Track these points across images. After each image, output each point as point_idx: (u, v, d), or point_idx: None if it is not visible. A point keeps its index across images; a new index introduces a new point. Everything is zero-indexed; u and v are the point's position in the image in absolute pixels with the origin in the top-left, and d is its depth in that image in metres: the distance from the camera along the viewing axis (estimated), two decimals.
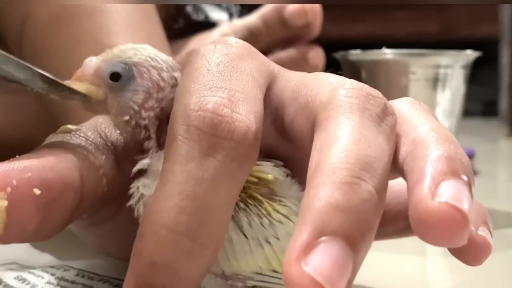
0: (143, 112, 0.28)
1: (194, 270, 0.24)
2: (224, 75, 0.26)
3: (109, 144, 0.29)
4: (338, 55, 0.59)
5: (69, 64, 0.47)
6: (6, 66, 0.26)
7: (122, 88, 0.28)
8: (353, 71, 0.57)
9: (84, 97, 0.28)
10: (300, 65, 0.65)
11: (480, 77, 1.17)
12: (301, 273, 0.20)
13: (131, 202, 0.27)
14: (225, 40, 0.28)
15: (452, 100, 0.57)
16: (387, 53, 0.58)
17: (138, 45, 0.29)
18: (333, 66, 0.56)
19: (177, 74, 0.29)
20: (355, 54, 0.58)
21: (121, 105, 0.28)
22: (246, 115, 0.25)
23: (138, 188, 0.27)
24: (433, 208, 0.22)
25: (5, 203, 0.24)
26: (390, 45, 0.59)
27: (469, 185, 0.23)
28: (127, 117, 0.28)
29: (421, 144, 0.25)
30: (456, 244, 0.22)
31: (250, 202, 0.26)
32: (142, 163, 0.28)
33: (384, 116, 0.25)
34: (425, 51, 0.57)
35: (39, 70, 0.27)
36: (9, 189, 0.24)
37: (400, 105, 0.27)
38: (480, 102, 1.31)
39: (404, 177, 0.25)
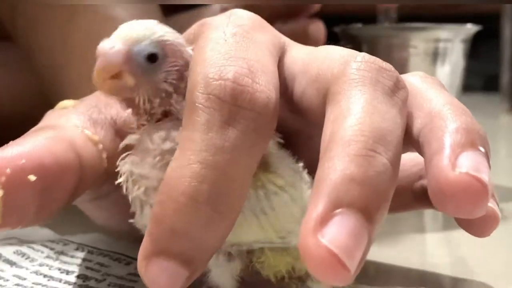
0: (175, 96, 0.27)
1: (212, 239, 0.24)
2: (241, 45, 0.26)
3: (109, 117, 0.29)
4: (338, 29, 0.59)
5: (66, 34, 0.47)
6: None
7: (157, 69, 0.27)
8: (353, 45, 0.57)
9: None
10: (300, 39, 0.65)
11: (482, 52, 1.17)
12: (318, 244, 0.21)
13: (120, 180, 0.27)
14: (236, 12, 0.28)
15: (451, 74, 0.57)
16: (387, 27, 0.58)
17: (147, 21, 0.27)
18: (333, 40, 0.56)
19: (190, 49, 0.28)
20: (355, 28, 0.58)
21: (154, 88, 0.27)
22: (266, 85, 0.25)
23: (127, 165, 0.27)
24: (454, 178, 0.23)
25: (0, 192, 0.24)
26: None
27: (487, 156, 0.24)
28: (157, 101, 0.27)
29: (438, 116, 0.25)
30: (475, 214, 0.23)
31: None
32: (131, 139, 0.27)
33: (397, 89, 0.25)
34: (425, 24, 0.57)
35: None
36: (3, 178, 0.24)
37: (412, 79, 0.27)
38: (481, 77, 1.30)
39: (419, 149, 0.25)
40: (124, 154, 0.27)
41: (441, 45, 0.56)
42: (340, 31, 0.59)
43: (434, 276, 0.33)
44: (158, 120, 0.27)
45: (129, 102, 0.28)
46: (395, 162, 0.23)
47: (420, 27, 0.57)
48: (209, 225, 0.24)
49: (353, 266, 0.21)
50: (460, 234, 0.28)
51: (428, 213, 0.43)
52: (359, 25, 0.58)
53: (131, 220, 0.28)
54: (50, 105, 0.30)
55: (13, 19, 0.50)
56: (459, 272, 0.33)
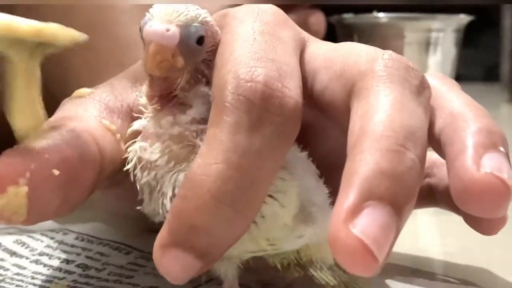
0: (207, 75, 0.27)
1: (230, 238, 0.25)
2: (270, 45, 0.26)
3: (125, 105, 0.29)
4: (333, 19, 0.60)
5: (67, 21, 0.47)
6: None
7: (201, 51, 0.27)
8: (347, 35, 0.58)
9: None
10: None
11: (482, 41, 1.16)
12: (349, 235, 0.21)
13: (128, 166, 0.27)
14: (258, 5, 0.28)
15: (443, 63, 0.58)
16: (381, 17, 0.59)
17: (185, 4, 0.27)
18: (328, 30, 0.56)
19: None
20: (349, 17, 0.59)
21: (195, 69, 0.27)
22: (294, 90, 0.25)
23: (136, 151, 0.27)
24: (479, 178, 0.23)
25: (25, 188, 0.23)
26: (385, 8, 0.60)
27: (508, 156, 0.25)
28: (192, 82, 0.27)
29: (460, 117, 0.26)
30: (497, 214, 0.24)
31: None
32: (139, 124, 0.27)
33: (422, 89, 0.26)
34: (418, 15, 0.58)
35: None
36: (28, 174, 0.24)
37: (432, 80, 0.28)
38: (481, 67, 1.30)
39: (439, 147, 0.26)
40: (131, 141, 0.27)
41: (433, 34, 0.57)
42: (336, 21, 0.60)
43: (427, 261, 0.33)
44: (162, 106, 0.27)
45: (162, 81, 0.27)
46: (422, 158, 0.23)
47: (413, 17, 0.58)
48: (228, 225, 0.24)
49: (382, 257, 0.21)
50: (453, 221, 0.29)
51: None
52: (351, 15, 0.59)
53: (138, 207, 0.28)
54: (49, 96, 0.30)
55: (12, 6, 0.49)
56: (452, 258, 0.33)
